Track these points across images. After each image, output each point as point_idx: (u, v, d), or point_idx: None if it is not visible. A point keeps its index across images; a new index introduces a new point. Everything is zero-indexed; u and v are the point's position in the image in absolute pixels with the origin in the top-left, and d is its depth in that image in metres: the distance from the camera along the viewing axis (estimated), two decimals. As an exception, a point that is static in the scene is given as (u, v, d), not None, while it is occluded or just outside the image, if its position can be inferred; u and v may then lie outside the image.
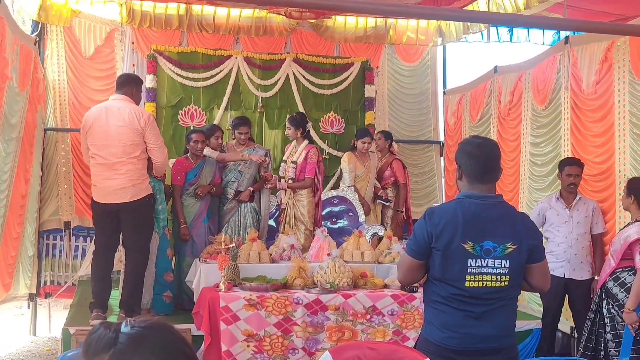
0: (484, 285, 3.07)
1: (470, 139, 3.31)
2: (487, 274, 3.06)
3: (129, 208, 5.75)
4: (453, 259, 3.07)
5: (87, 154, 5.92)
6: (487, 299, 3.10)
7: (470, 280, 3.06)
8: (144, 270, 6.03)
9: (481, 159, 3.16)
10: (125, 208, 5.75)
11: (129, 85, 5.94)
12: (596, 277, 5.79)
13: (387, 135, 8.73)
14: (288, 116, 7.78)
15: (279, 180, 7.37)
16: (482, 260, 3.05)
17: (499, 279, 3.08)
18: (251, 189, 7.12)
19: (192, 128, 8.12)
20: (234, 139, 7.40)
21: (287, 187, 7.25)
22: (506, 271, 3.08)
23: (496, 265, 3.06)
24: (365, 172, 8.13)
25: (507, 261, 3.08)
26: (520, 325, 5.91)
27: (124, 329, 1.55)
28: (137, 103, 6.01)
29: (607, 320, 5.19)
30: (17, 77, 6.62)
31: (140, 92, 6.12)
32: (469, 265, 3.05)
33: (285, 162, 7.40)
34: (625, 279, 5.06)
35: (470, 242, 3.05)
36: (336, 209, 8.20)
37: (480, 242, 3.05)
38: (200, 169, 6.83)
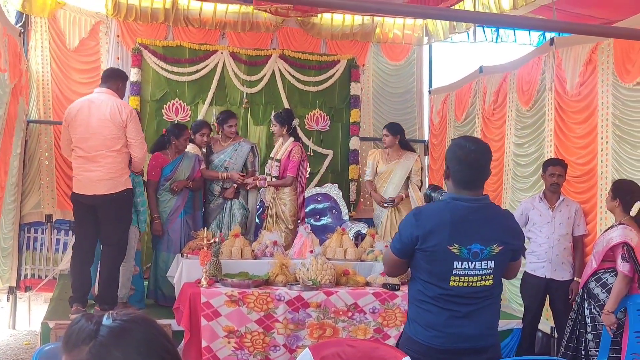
0: (469, 285, 3.05)
1: (464, 143, 3.17)
2: (472, 275, 3.04)
3: (106, 201, 5.71)
4: (438, 261, 3.04)
5: (67, 147, 5.88)
6: (472, 298, 3.09)
7: (454, 281, 3.04)
8: (118, 264, 5.99)
9: (471, 167, 3.09)
10: (102, 201, 5.71)
11: (115, 79, 5.92)
12: (576, 279, 5.82)
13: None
14: (273, 112, 7.70)
15: (265, 179, 7.26)
16: (470, 262, 3.03)
17: (483, 279, 3.07)
18: (235, 185, 7.09)
19: (176, 122, 8.06)
20: (218, 133, 7.35)
21: (268, 185, 7.20)
22: (491, 271, 3.08)
23: (482, 266, 3.05)
24: (386, 170, 7.63)
25: (493, 262, 3.07)
26: (501, 324, 5.82)
27: (106, 321, 1.52)
28: (122, 98, 5.99)
29: (588, 320, 5.22)
30: (8, 69, 6.55)
31: (125, 88, 6.11)
32: (455, 267, 3.02)
33: (272, 159, 7.35)
34: (607, 280, 5.09)
35: (456, 245, 3.01)
36: (320, 206, 8.21)
37: (467, 245, 3.02)
38: (178, 164, 6.75)
